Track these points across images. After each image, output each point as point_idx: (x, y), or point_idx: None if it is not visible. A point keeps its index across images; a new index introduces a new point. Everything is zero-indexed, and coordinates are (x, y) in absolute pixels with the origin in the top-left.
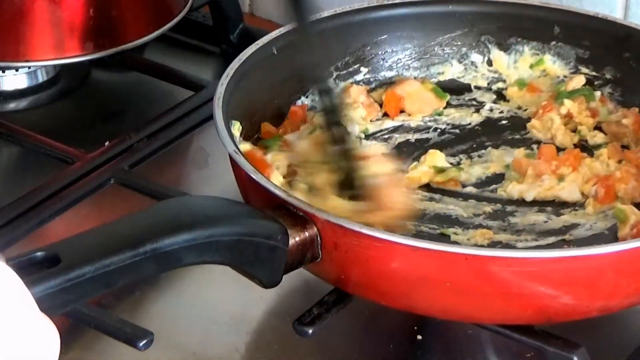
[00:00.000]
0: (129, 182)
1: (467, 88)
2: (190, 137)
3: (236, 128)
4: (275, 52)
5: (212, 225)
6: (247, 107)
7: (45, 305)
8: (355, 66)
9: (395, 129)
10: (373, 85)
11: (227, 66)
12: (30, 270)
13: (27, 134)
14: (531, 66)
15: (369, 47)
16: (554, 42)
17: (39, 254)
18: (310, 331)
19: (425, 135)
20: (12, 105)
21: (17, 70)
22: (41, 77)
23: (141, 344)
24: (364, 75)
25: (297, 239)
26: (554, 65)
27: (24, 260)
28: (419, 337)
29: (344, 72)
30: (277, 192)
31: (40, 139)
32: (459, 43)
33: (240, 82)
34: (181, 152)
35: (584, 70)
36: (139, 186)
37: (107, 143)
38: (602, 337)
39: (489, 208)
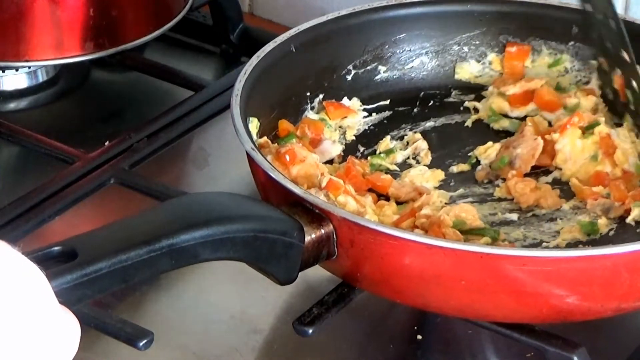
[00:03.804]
0: (129, 182)
1: (483, 87)
2: (190, 137)
3: (254, 125)
4: (294, 50)
5: (228, 221)
6: (265, 104)
7: (61, 299)
8: (374, 64)
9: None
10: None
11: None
12: (46, 264)
13: (27, 134)
14: (549, 66)
15: (387, 46)
16: (572, 42)
17: (55, 248)
18: (310, 331)
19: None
20: (12, 105)
21: (17, 70)
22: (41, 77)
23: (141, 344)
24: (383, 73)
25: (313, 236)
26: (572, 65)
27: (41, 254)
28: (419, 337)
29: (362, 70)
30: (293, 189)
31: (40, 139)
32: (477, 42)
33: (259, 79)
34: (181, 152)
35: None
36: (139, 186)
37: (107, 143)
38: (602, 337)
39: (504, 207)
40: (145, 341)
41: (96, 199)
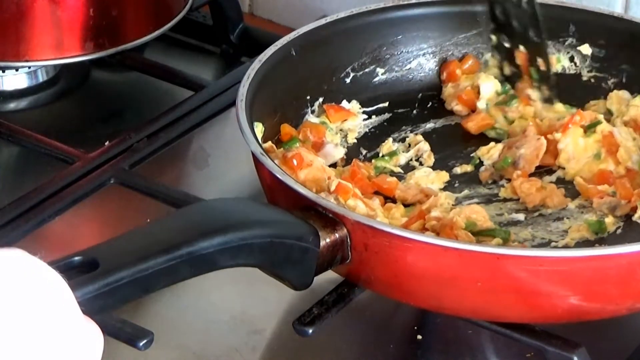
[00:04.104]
0: (129, 182)
1: None
2: (190, 137)
3: (259, 130)
4: (294, 54)
5: (245, 227)
6: (267, 109)
7: (84, 309)
8: (372, 67)
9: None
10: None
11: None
12: (68, 274)
13: (27, 134)
14: None
15: (385, 48)
16: (569, 41)
17: (76, 258)
18: (310, 331)
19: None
20: (12, 105)
21: (17, 70)
22: (41, 77)
23: (141, 344)
24: (381, 75)
25: (328, 240)
26: (570, 64)
27: (62, 264)
28: (419, 337)
29: (361, 72)
30: (306, 193)
31: (40, 139)
32: (475, 42)
33: (261, 84)
34: (181, 152)
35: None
36: (139, 186)
37: (107, 143)
38: (602, 337)
39: (510, 207)
40: (145, 341)
41: (96, 199)
